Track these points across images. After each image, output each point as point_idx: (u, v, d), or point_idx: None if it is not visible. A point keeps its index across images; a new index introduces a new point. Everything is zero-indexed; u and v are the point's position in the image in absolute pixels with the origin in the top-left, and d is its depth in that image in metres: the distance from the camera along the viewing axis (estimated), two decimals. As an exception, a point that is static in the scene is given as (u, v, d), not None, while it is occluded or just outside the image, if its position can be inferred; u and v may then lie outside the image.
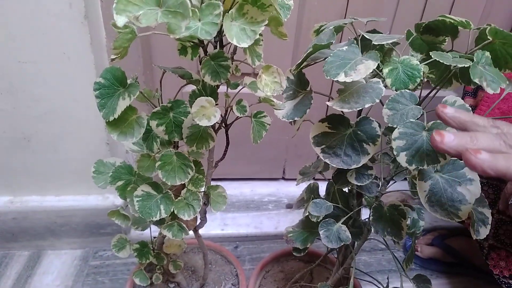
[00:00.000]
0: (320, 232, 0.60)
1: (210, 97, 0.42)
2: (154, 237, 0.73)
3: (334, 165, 0.54)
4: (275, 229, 1.09)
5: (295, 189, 1.22)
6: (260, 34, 0.37)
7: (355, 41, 0.52)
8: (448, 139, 0.37)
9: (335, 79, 0.47)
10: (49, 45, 0.77)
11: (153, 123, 0.46)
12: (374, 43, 0.49)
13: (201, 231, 1.07)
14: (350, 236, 0.59)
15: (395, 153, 0.47)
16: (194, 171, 0.50)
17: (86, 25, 0.76)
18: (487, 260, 0.85)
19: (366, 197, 0.67)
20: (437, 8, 0.98)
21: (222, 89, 0.49)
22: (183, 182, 0.49)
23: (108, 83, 0.43)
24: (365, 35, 0.51)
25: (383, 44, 0.53)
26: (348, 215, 0.63)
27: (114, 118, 0.43)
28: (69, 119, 0.86)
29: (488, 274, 0.99)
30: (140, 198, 0.53)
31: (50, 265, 0.98)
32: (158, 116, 0.46)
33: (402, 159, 0.47)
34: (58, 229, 0.98)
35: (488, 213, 0.55)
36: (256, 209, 1.16)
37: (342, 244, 0.60)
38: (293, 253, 0.71)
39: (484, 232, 0.54)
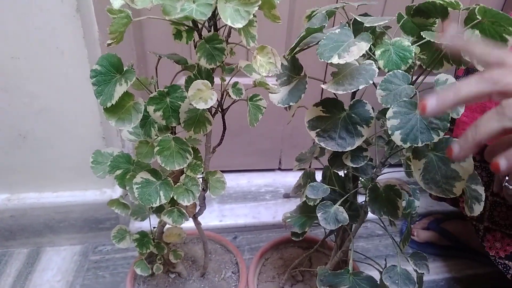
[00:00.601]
0: (318, 215, 0.61)
1: (206, 80, 0.43)
2: (154, 227, 0.73)
3: (329, 148, 0.54)
4: (273, 218, 1.10)
5: (292, 179, 1.23)
6: (254, 15, 0.38)
7: (347, 25, 0.53)
8: (430, 104, 0.40)
9: (329, 61, 0.47)
10: (42, 41, 0.77)
11: (151, 109, 0.46)
12: (366, 25, 0.50)
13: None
14: (347, 217, 0.60)
15: (389, 132, 0.48)
16: (192, 156, 0.50)
17: (79, 18, 0.76)
18: (483, 242, 0.86)
19: (362, 180, 0.68)
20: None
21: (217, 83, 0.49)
22: (182, 167, 0.50)
23: (105, 70, 0.43)
24: (357, 18, 0.52)
25: (375, 28, 0.54)
26: (345, 198, 0.64)
27: (112, 104, 0.43)
28: (64, 115, 0.86)
29: (484, 256, 1.01)
30: (140, 185, 0.53)
31: (49, 262, 0.98)
32: (155, 101, 0.46)
33: (396, 137, 0.48)
34: (56, 225, 0.98)
35: (482, 190, 0.56)
36: (253, 199, 1.17)
37: (340, 226, 0.61)
38: (292, 238, 0.72)
39: (478, 209, 0.56)
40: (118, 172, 0.58)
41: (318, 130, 0.55)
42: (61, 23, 0.76)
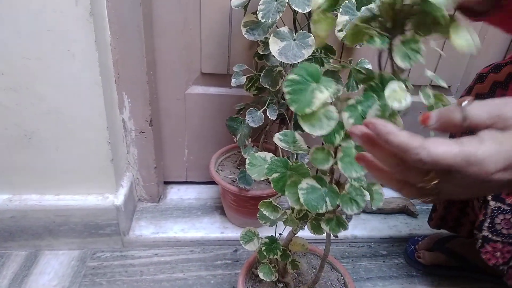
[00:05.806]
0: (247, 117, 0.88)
1: (401, 82, 0.43)
2: (280, 234, 0.72)
3: None
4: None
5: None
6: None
7: None
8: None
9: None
10: (54, 42, 0.78)
11: (345, 115, 0.46)
12: None
13: (199, 234, 1.06)
14: (263, 118, 0.87)
15: None
16: None
17: (92, 22, 0.77)
18: (480, 253, 0.81)
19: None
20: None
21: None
22: (359, 176, 0.51)
23: (302, 79, 0.45)
24: None
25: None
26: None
27: (312, 110, 0.44)
28: (71, 118, 0.86)
29: (492, 275, 0.98)
30: (305, 191, 0.54)
31: (47, 265, 0.97)
32: (351, 109, 0.46)
33: None
34: (56, 228, 0.97)
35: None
36: (256, 213, 1.15)
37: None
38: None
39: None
40: (275, 175, 0.59)
41: None
42: (74, 26, 0.76)
